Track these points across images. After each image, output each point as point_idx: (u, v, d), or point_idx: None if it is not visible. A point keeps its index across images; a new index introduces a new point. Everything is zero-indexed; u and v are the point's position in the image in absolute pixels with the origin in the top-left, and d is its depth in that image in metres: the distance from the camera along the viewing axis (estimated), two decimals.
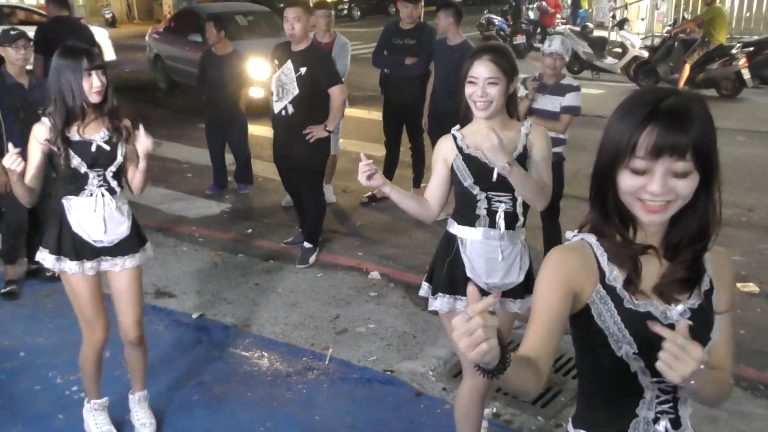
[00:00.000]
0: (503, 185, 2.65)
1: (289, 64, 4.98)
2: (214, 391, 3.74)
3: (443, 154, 2.77)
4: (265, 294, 4.87)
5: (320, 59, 5.10)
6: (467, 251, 2.78)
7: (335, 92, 5.07)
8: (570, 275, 1.55)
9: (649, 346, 1.50)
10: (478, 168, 2.70)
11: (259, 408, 3.59)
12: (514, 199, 2.70)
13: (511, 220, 2.73)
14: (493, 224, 2.72)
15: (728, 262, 1.62)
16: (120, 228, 3.09)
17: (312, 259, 5.39)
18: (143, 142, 2.94)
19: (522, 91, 4.78)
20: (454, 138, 2.75)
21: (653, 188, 1.42)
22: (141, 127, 2.95)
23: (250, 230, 5.91)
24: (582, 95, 4.76)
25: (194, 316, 4.55)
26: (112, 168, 3.02)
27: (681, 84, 11.59)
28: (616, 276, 1.54)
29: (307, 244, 5.42)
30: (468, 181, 2.72)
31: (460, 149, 2.72)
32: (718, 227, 1.52)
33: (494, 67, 2.62)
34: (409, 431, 3.41)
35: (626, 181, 1.44)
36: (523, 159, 2.69)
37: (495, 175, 2.64)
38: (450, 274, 2.80)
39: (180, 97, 11.18)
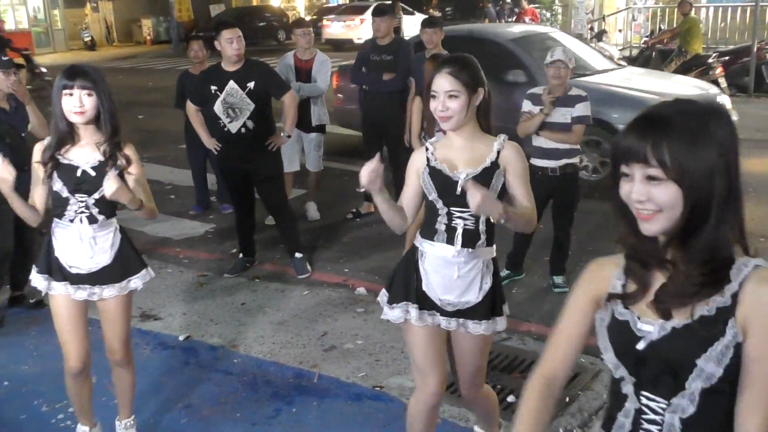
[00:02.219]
0: (466, 201, 2.51)
1: (232, 84, 5.07)
2: (203, 413, 3.72)
3: (415, 165, 2.75)
4: (252, 313, 4.85)
5: (263, 71, 5.28)
6: (425, 264, 2.74)
7: (288, 99, 5.29)
8: (598, 285, 1.64)
9: (631, 359, 1.55)
10: (443, 181, 2.66)
11: (249, 428, 3.57)
12: (476, 216, 2.62)
13: (470, 237, 2.66)
14: (451, 240, 2.66)
15: None
16: (98, 257, 3.00)
17: (308, 266, 5.47)
18: (107, 186, 2.86)
19: (527, 106, 4.80)
20: (426, 149, 2.75)
21: (633, 192, 1.47)
22: (111, 172, 2.87)
23: (234, 250, 5.89)
24: None
25: (181, 338, 4.53)
26: (96, 195, 2.92)
27: None
28: (615, 285, 1.61)
29: (297, 255, 5.49)
30: (432, 194, 2.69)
31: (428, 161, 2.71)
32: (738, 248, 1.48)
33: (453, 80, 2.58)
34: None
35: (621, 186, 1.51)
36: (491, 173, 2.63)
37: (459, 189, 2.60)
38: (406, 286, 2.77)
39: (158, 119, 11.18)
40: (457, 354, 2.87)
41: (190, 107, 5.47)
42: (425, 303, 2.74)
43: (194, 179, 7.13)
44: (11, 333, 4.67)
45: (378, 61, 6.37)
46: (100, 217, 2.97)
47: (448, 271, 2.69)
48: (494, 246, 2.77)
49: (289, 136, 5.44)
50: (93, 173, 2.91)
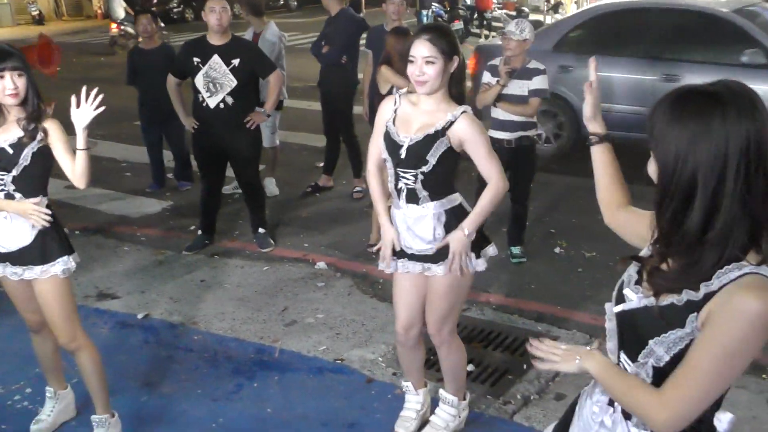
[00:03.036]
0: (408, 163, 2.81)
1: (216, 59, 4.98)
2: (164, 390, 3.70)
3: (383, 116, 2.93)
4: (212, 290, 4.83)
5: (250, 50, 5.22)
6: (393, 219, 3.00)
7: (273, 78, 5.21)
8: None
9: (613, 319, 1.66)
10: (391, 143, 2.87)
11: (210, 404, 3.58)
12: (416, 176, 2.82)
13: (412, 195, 2.86)
14: (399, 197, 2.90)
15: (734, 311, 1.39)
16: (19, 237, 2.95)
17: (271, 241, 5.49)
18: (78, 113, 2.84)
19: (486, 77, 4.82)
20: (394, 102, 2.92)
21: None
22: (73, 98, 2.84)
23: (193, 227, 5.84)
24: None
25: (140, 316, 4.49)
26: (14, 173, 2.88)
27: None
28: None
29: (261, 230, 5.52)
30: (384, 153, 2.91)
31: (391, 119, 2.89)
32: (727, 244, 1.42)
33: (431, 46, 2.72)
34: (362, 418, 3.45)
35: None
36: (432, 140, 2.77)
37: (404, 153, 2.81)
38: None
39: (111, 96, 10.93)
40: (428, 295, 3.05)
41: (171, 81, 5.32)
42: (397, 252, 3.00)
43: (150, 156, 7.02)
44: None
45: (323, 34, 6.41)
46: (17, 195, 2.91)
47: (402, 224, 2.94)
48: (446, 198, 2.88)
49: (268, 116, 5.38)
50: (11, 151, 2.88)
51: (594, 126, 1.94)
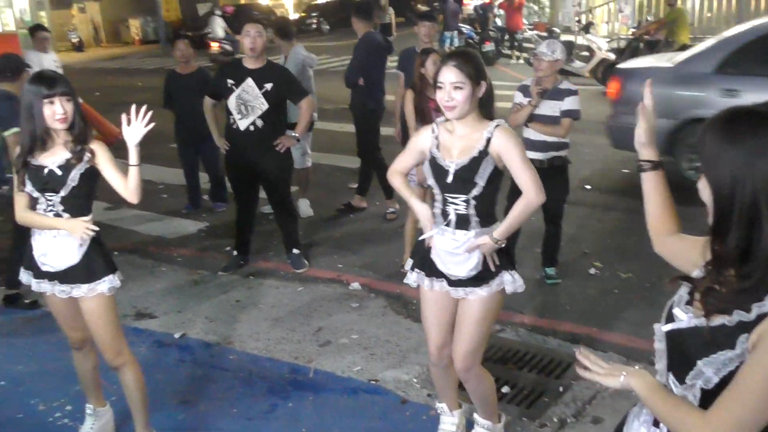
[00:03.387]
0: (456, 188, 2.85)
1: (249, 82, 5.07)
2: (200, 409, 3.73)
3: (420, 143, 2.98)
4: (247, 310, 4.87)
5: (283, 75, 5.30)
6: (434, 241, 2.98)
7: (305, 104, 5.30)
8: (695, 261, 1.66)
9: (664, 339, 1.63)
10: (437, 169, 2.90)
11: (246, 423, 3.60)
12: (467, 201, 2.84)
13: (463, 220, 2.87)
14: (446, 223, 2.91)
15: None
16: (67, 256, 3.04)
17: (305, 261, 5.53)
18: (129, 131, 2.97)
19: (518, 98, 4.84)
20: (432, 131, 2.95)
21: None
22: (124, 117, 2.96)
23: (228, 248, 5.90)
24: None
25: (176, 335, 4.54)
26: (62, 193, 2.99)
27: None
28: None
29: (295, 250, 5.56)
30: (430, 179, 2.94)
31: (434, 146, 2.93)
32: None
33: (458, 72, 2.76)
34: None
35: None
36: (479, 161, 2.81)
37: (450, 178, 2.84)
38: (422, 254, 3.05)
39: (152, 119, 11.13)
40: (457, 323, 3.02)
41: (207, 102, 5.44)
42: (433, 271, 2.99)
43: (186, 178, 7.13)
44: (5, 334, 4.68)
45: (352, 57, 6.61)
46: (65, 215, 3.01)
47: (448, 248, 2.92)
48: (491, 227, 2.90)
49: (298, 140, 5.45)
50: (59, 172, 2.99)
51: (647, 152, 1.90)
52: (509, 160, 2.82)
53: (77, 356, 3.37)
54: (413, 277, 3.08)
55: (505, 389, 3.78)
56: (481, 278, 2.91)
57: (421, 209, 2.98)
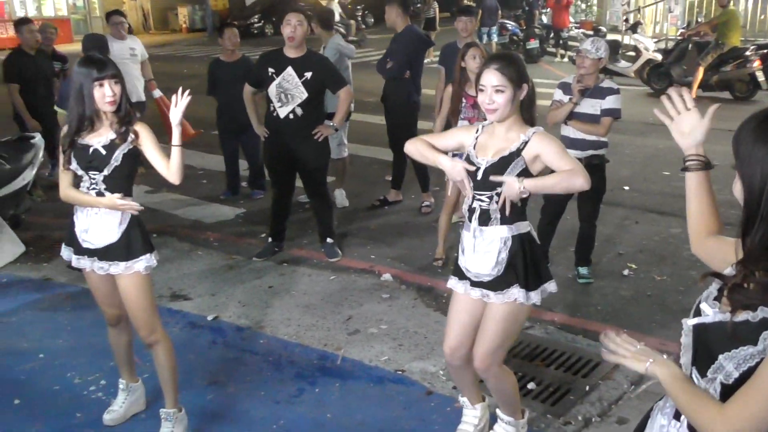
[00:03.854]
0: (484, 185, 2.88)
1: (289, 71, 5.13)
2: (228, 390, 3.81)
3: (462, 136, 3.05)
4: (279, 296, 4.94)
5: (323, 65, 5.34)
6: (462, 240, 3.05)
7: (343, 94, 5.33)
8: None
9: (690, 334, 1.65)
10: (469, 164, 2.93)
11: (273, 406, 3.66)
12: (491, 197, 2.88)
13: (485, 217, 2.90)
14: (471, 218, 2.96)
15: None
16: (107, 234, 3.13)
17: (339, 251, 5.60)
18: (172, 113, 3.06)
19: (558, 95, 4.81)
20: (477, 131, 3.00)
21: None
22: (174, 98, 3.06)
23: (263, 234, 5.99)
24: None
25: (209, 318, 4.64)
26: (105, 172, 3.08)
27: (695, 87, 11.58)
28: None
29: (329, 240, 5.62)
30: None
31: (472, 145, 2.97)
32: None
33: (500, 75, 2.80)
34: (419, 428, 3.47)
35: None
36: (508, 161, 2.84)
37: (480, 175, 2.88)
38: (456, 260, 3.10)
39: (192, 105, 11.32)
40: (481, 323, 3.04)
41: (247, 90, 5.53)
42: (460, 273, 3.05)
43: (226, 165, 7.24)
44: (47, 308, 4.82)
45: (390, 50, 6.57)
46: (107, 194, 3.11)
47: (470, 244, 2.98)
48: (515, 225, 2.90)
49: (336, 129, 5.51)
50: (104, 152, 3.09)
51: (698, 150, 1.85)
52: (549, 155, 2.82)
53: (112, 332, 3.47)
54: (450, 283, 3.13)
55: (531, 386, 3.78)
56: (500, 283, 2.91)
57: (451, 164, 2.94)
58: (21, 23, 7.67)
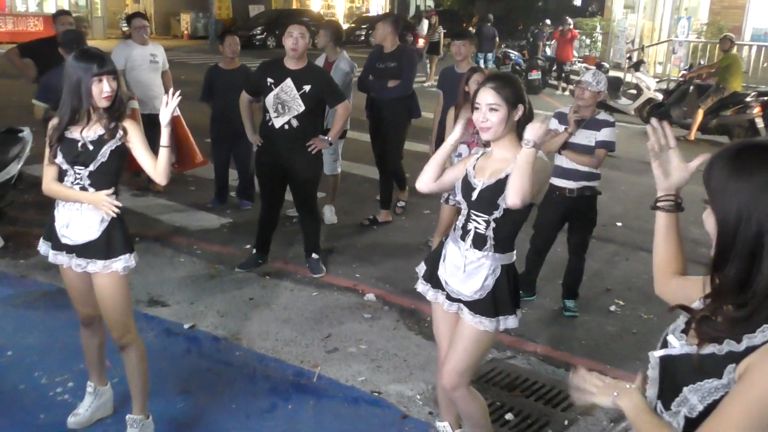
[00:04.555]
0: (480, 207, 2.88)
1: (288, 82, 5.13)
2: (199, 400, 3.76)
3: (464, 165, 3.03)
4: (259, 309, 4.90)
5: (322, 78, 5.35)
6: (446, 252, 3.03)
7: (341, 109, 5.35)
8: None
9: (657, 366, 1.64)
10: (466, 186, 2.96)
11: (243, 420, 3.61)
12: (488, 222, 2.87)
13: (479, 240, 2.89)
14: (464, 238, 2.94)
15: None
16: (88, 231, 3.11)
17: (323, 267, 5.58)
18: (164, 111, 3.04)
19: (553, 124, 4.83)
20: (477, 158, 3.03)
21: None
22: (164, 98, 3.04)
23: (248, 246, 5.96)
24: None
25: (186, 326, 4.59)
26: (91, 167, 3.06)
27: (694, 129, 11.69)
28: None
29: (314, 255, 5.60)
30: (458, 195, 3.01)
31: (471, 166, 2.99)
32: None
33: (495, 94, 2.84)
34: None
35: None
36: (505, 183, 2.82)
37: (475, 196, 2.88)
38: (431, 266, 3.10)
39: (186, 112, 11.32)
40: (452, 339, 3.02)
41: (243, 97, 5.53)
42: (437, 282, 3.06)
43: (215, 173, 7.22)
44: (20, 305, 4.77)
45: (383, 69, 6.53)
46: (91, 190, 3.09)
47: (457, 263, 2.95)
48: (505, 254, 2.92)
49: (330, 143, 5.50)
50: (91, 147, 3.07)
51: (674, 190, 1.85)
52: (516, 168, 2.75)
53: (85, 333, 3.43)
54: (420, 287, 3.15)
55: (509, 416, 3.75)
56: (478, 307, 2.91)
57: (452, 136, 3.02)
58: (58, 14, 7.29)
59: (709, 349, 1.49)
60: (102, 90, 3.00)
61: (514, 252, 2.98)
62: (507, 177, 2.82)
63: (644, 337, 4.79)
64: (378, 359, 4.29)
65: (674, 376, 1.56)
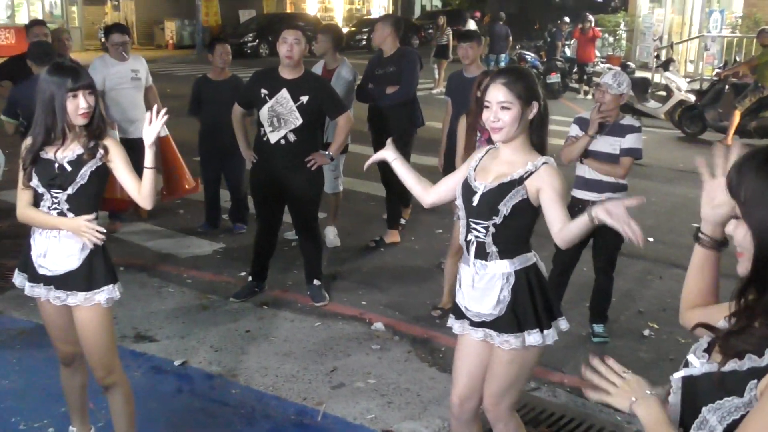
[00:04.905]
0: (480, 212, 2.88)
1: (284, 93, 5.15)
2: None
3: (470, 163, 3.06)
4: (257, 342, 4.92)
5: (321, 88, 5.37)
6: (459, 275, 3.07)
7: (342, 121, 5.37)
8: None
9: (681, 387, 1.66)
10: (466, 189, 2.96)
11: None
12: (486, 228, 2.89)
13: (481, 250, 2.92)
14: (468, 251, 2.97)
15: None
16: (67, 260, 3.13)
17: (326, 294, 5.60)
18: (149, 130, 3.05)
19: (573, 130, 4.86)
20: (483, 152, 3.05)
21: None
22: (147, 115, 3.06)
23: (243, 273, 5.99)
24: None
25: (177, 363, 4.61)
26: (69, 190, 3.09)
27: (730, 132, 11.69)
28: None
29: (315, 282, 5.62)
30: (459, 199, 3.01)
31: (473, 167, 3.00)
32: None
33: (506, 91, 2.81)
34: None
35: None
36: (508, 188, 2.85)
37: (476, 201, 2.89)
38: (455, 297, 3.12)
39: (173, 128, 11.40)
40: (488, 366, 3.04)
41: (236, 110, 5.57)
42: (458, 312, 3.08)
43: (206, 194, 7.26)
44: None
45: (382, 75, 6.60)
46: (69, 215, 3.11)
47: (468, 280, 2.98)
48: (517, 257, 2.92)
49: (332, 159, 5.54)
50: (69, 168, 3.09)
51: (716, 229, 1.82)
52: (547, 197, 2.83)
53: (65, 373, 3.45)
54: (450, 321, 3.15)
55: None
56: (503, 324, 2.92)
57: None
58: (32, 25, 7.21)
59: (730, 365, 1.52)
60: (78, 106, 3.02)
61: (532, 253, 2.98)
62: (511, 181, 2.85)
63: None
64: (388, 394, 4.29)
65: (694, 398, 1.59)
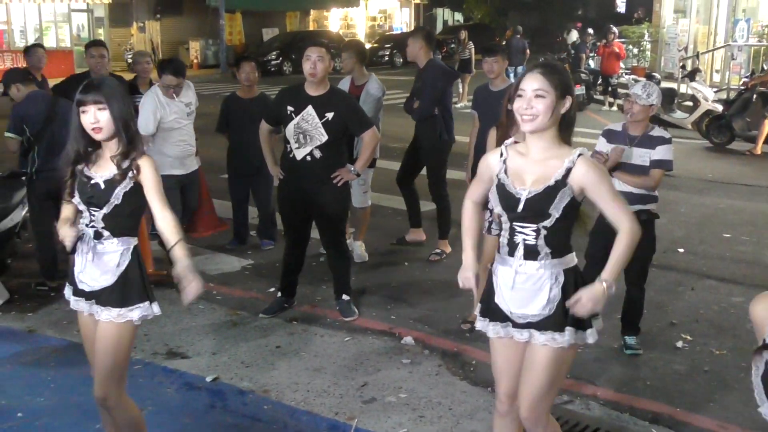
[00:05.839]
0: (527, 217, 2.88)
1: (309, 110, 5.20)
2: None
3: (489, 167, 3.03)
4: (287, 358, 4.94)
5: (346, 104, 5.40)
6: (497, 278, 3.05)
7: (367, 137, 5.40)
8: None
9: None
10: (507, 196, 2.94)
11: None
12: (537, 231, 2.89)
13: (531, 251, 2.92)
14: (513, 253, 2.96)
15: None
16: (102, 276, 3.17)
17: (355, 309, 5.61)
18: (187, 291, 3.17)
19: (600, 144, 4.84)
20: (501, 155, 2.99)
21: None
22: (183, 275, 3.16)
23: (272, 289, 6.02)
24: None
25: (208, 379, 4.63)
26: (105, 210, 3.12)
27: (760, 142, 11.59)
28: None
29: (344, 297, 5.64)
30: (497, 208, 3.00)
31: (500, 171, 2.97)
32: None
33: (543, 79, 2.82)
34: None
35: None
36: (555, 192, 2.84)
37: (521, 206, 2.87)
38: (487, 299, 3.11)
39: (199, 147, 11.52)
40: (524, 369, 3.03)
41: (264, 127, 5.63)
42: (497, 315, 3.04)
43: (234, 212, 7.33)
44: (29, 363, 4.86)
45: (415, 89, 6.77)
46: (105, 233, 3.15)
47: (508, 282, 2.98)
48: (564, 258, 2.95)
49: (358, 175, 5.57)
50: (103, 186, 3.12)
51: None
52: (597, 194, 2.86)
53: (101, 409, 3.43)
54: (479, 324, 3.15)
55: None
56: (549, 323, 2.93)
57: (466, 266, 3.13)
58: (89, 45, 7.30)
59: None
60: (89, 122, 3.03)
61: (573, 254, 2.99)
62: (557, 183, 2.84)
63: (718, 375, 4.72)
64: (420, 408, 4.28)
65: None
